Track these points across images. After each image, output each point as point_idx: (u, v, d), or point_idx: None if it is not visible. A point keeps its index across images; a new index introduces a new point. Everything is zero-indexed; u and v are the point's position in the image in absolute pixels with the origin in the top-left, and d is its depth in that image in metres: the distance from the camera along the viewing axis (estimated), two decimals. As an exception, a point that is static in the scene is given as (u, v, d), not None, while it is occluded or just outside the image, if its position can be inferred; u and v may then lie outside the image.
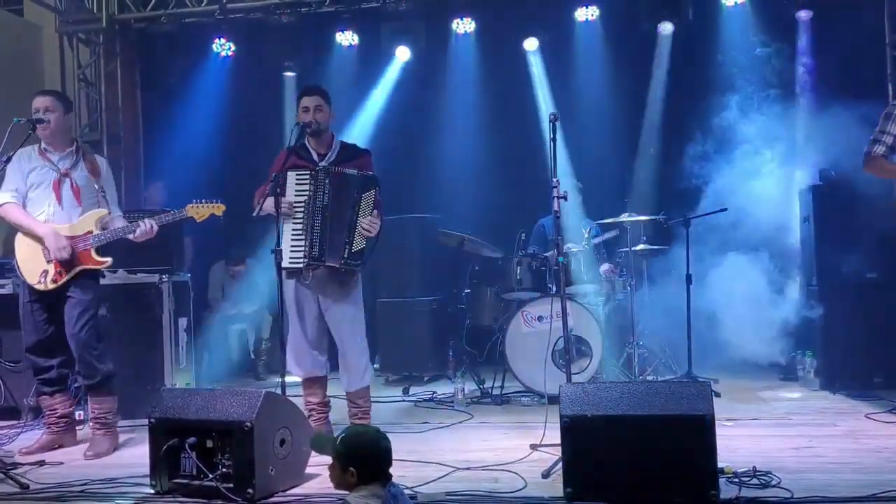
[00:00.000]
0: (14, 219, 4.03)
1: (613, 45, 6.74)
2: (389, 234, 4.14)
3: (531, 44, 6.85)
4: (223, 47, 7.13)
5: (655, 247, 5.77)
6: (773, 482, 3.01)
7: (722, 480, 2.93)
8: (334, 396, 4.31)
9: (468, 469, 3.42)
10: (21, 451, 3.99)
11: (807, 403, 4.81)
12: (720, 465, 2.93)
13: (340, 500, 2.73)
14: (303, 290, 4.03)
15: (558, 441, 3.00)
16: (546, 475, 3.23)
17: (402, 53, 6.95)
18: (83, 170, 4.10)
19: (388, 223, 4.12)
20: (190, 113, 6.94)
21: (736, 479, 3.03)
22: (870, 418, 4.22)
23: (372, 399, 4.24)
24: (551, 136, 3.71)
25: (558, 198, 3.68)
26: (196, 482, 3.10)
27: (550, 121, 3.73)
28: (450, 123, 7.00)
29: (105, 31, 7.03)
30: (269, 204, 3.84)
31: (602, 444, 2.91)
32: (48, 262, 3.96)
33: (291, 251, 3.91)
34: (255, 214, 3.75)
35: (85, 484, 3.34)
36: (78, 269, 3.97)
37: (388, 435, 2.55)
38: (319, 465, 3.29)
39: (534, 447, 3.75)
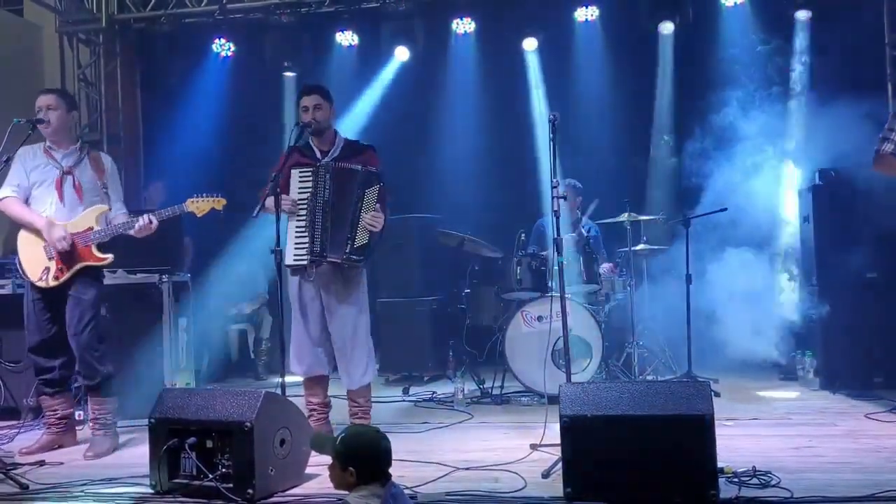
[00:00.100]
0: (14, 213, 4.04)
1: (613, 45, 6.74)
2: (389, 234, 4.13)
3: (531, 44, 6.85)
4: (223, 47, 7.13)
5: (655, 247, 5.77)
6: (773, 482, 3.00)
7: (722, 480, 2.93)
8: (335, 396, 4.31)
9: (468, 469, 3.42)
10: (21, 451, 3.99)
11: (807, 403, 4.81)
12: (720, 464, 2.93)
13: (340, 500, 2.74)
14: (306, 288, 4.01)
15: (558, 441, 3.01)
16: (546, 475, 3.23)
17: (402, 53, 6.95)
18: (87, 167, 4.10)
19: (389, 223, 4.11)
20: (190, 113, 6.94)
21: (736, 479, 3.03)
22: (870, 418, 4.22)
23: (372, 399, 4.24)
24: (551, 136, 3.71)
25: (558, 198, 3.68)
26: (196, 482, 3.10)
27: (550, 121, 3.73)
28: (450, 123, 7.00)
29: (105, 31, 7.03)
30: (270, 203, 3.84)
31: (602, 444, 2.91)
32: (49, 259, 3.97)
33: (295, 248, 3.91)
34: (255, 215, 3.74)
35: (85, 484, 3.33)
36: (79, 265, 3.97)
37: (388, 435, 2.55)
38: (319, 465, 3.29)
39: (534, 447, 3.75)
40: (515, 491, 3.08)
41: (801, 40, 6.30)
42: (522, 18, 6.80)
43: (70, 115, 4.14)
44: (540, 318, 5.00)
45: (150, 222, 3.96)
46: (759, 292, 5.75)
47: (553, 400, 3.58)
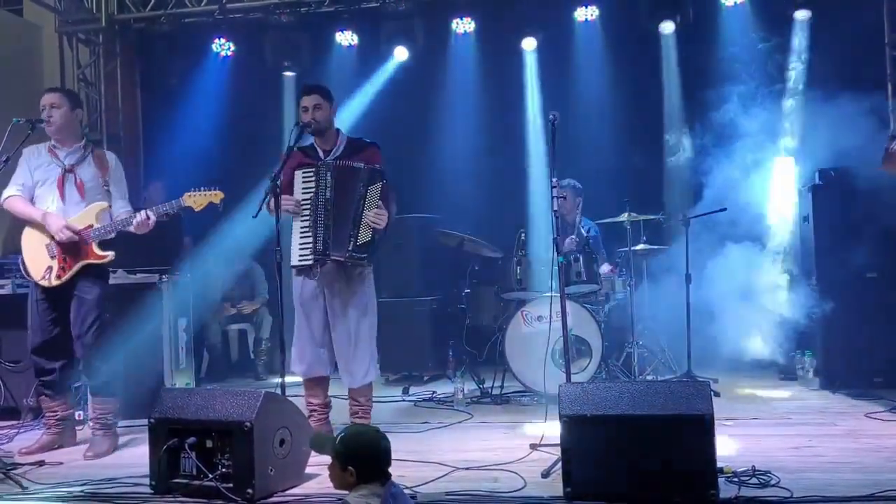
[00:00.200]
0: (17, 210, 4.06)
1: (613, 45, 6.74)
2: (389, 234, 4.12)
3: (530, 44, 6.85)
4: (223, 47, 7.13)
5: (655, 246, 5.77)
6: (773, 482, 3.00)
7: (721, 480, 2.93)
8: (335, 396, 4.30)
9: (468, 469, 3.42)
10: (21, 452, 3.99)
11: (806, 403, 4.81)
12: (719, 464, 2.93)
13: (340, 500, 2.74)
14: (310, 286, 4.00)
15: (558, 441, 3.01)
16: (545, 475, 3.23)
17: (402, 53, 6.95)
18: (91, 165, 4.09)
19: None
20: (189, 113, 6.94)
21: (735, 479, 3.03)
22: (870, 417, 4.22)
23: (372, 399, 4.23)
24: (551, 136, 3.71)
25: (557, 197, 3.68)
26: (196, 482, 3.10)
27: (550, 121, 3.72)
28: (450, 123, 7.00)
29: (104, 31, 7.04)
30: (274, 206, 3.86)
31: (601, 444, 2.91)
32: (52, 258, 3.97)
33: (300, 248, 3.90)
34: (254, 216, 3.73)
35: (84, 484, 3.33)
36: (81, 263, 3.97)
37: (388, 435, 2.55)
38: (319, 465, 3.29)
39: (533, 447, 3.74)
40: (515, 491, 3.08)
41: (800, 39, 6.30)
42: (522, 18, 6.80)
43: (74, 114, 4.13)
44: (540, 318, 5.00)
45: (148, 218, 3.94)
46: (759, 292, 5.75)
47: (553, 400, 3.57)
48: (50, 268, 3.97)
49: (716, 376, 5.39)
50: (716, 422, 2.87)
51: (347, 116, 6.61)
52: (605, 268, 5.69)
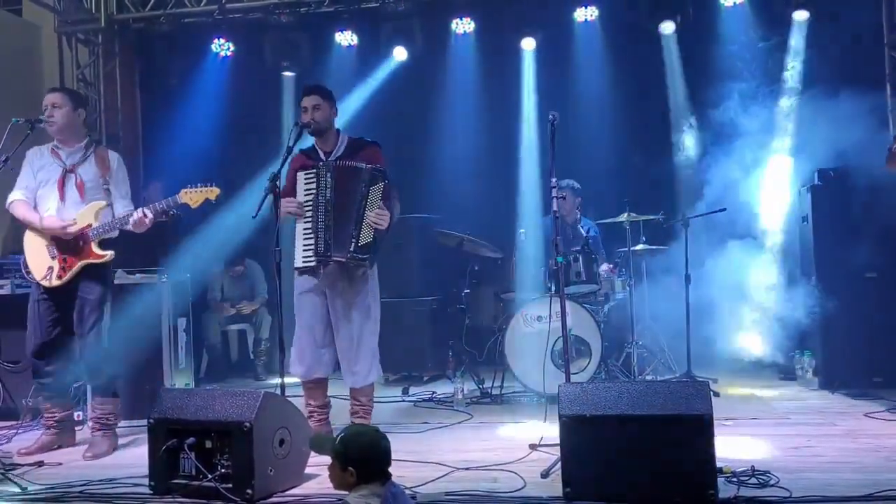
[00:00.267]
0: (20, 215, 4.08)
1: (612, 45, 6.75)
2: (389, 234, 4.11)
3: (530, 44, 6.85)
4: (222, 47, 7.12)
5: (654, 246, 5.77)
6: (772, 481, 3.01)
7: (721, 480, 2.93)
8: (334, 396, 4.30)
9: (467, 469, 3.42)
10: (20, 452, 3.99)
11: (806, 403, 4.82)
12: (719, 464, 2.94)
13: (340, 500, 2.74)
14: (312, 286, 4.00)
15: (557, 441, 3.01)
16: (545, 475, 3.24)
17: (401, 53, 6.95)
18: (92, 164, 4.09)
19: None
20: (189, 113, 6.94)
21: (735, 479, 3.03)
22: (869, 417, 4.23)
23: (373, 399, 4.23)
24: (550, 136, 3.71)
25: (557, 198, 3.68)
26: (195, 482, 3.10)
27: (550, 121, 3.72)
28: (449, 123, 7.00)
29: (104, 31, 7.03)
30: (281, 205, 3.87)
31: (601, 444, 2.91)
32: (52, 258, 3.98)
33: (304, 250, 3.89)
34: (253, 216, 3.73)
35: (84, 485, 3.34)
36: (81, 263, 3.97)
37: (388, 435, 2.54)
38: (318, 465, 3.29)
39: (533, 447, 3.75)
40: (515, 491, 3.08)
41: (799, 39, 6.30)
42: (522, 18, 6.80)
43: (76, 113, 4.12)
44: (539, 318, 5.00)
45: (145, 216, 3.93)
46: (759, 292, 5.75)
47: (552, 399, 3.58)
48: (51, 268, 3.97)
49: (715, 376, 5.39)
50: (715, 422, 2.87)
51: (347, 116, 6.61)
52: (604, 267, 5.69)
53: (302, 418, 3.47)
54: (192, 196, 3.90)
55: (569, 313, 3.83)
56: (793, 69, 6.28)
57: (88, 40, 7.14)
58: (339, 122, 4.21)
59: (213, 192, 3.91)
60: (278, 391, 3.53)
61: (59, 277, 3.97)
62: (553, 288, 5.06)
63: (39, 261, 4.01)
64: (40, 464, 3.80)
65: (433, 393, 5.51)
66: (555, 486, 3.01)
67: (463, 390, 5.03)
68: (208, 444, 3.11)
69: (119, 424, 4.24)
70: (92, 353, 3.99)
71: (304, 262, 3.90)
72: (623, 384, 3.78)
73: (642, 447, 2.87)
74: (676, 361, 5.60)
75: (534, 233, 5.69)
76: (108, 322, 4.05)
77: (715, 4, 6.47)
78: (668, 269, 5.72)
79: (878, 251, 4.97)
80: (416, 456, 3.63)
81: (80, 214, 4.01)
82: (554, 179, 3.69)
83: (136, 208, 4.12)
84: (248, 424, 3.04)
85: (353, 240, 3.83)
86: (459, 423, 4.54)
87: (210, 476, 3.05)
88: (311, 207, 3.89)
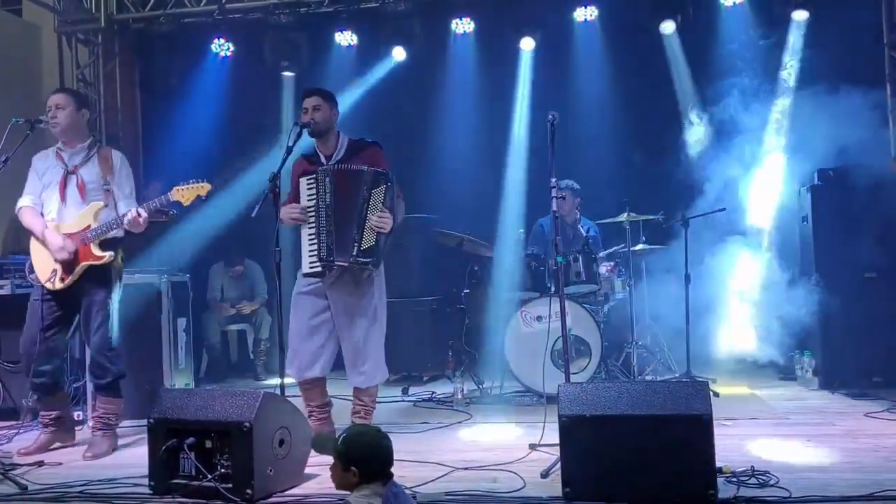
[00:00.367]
0: (26, 223, 4.10)
1: (612, 45, 6.75)
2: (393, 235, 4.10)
3: (530, 44, 6.85)
4: (222, 47, 7.12)
5: (654, 246, 5.78)
6: (772, 481, 3.01)
7: (720, 480, 2.93)
8: (335, 396, 4.30)
9: (467, 469, 3.42)
10: (20, 452, 4.00)
11: (805, 403, 4.82)
12: (718, 464, 2.94)
13: (341, 500, 2.74)
14: (313, 288, 3.99)
15: (557, 441, 3.01)
16: (545, 475, 3.24)
17: (401, 54, 6.95)
18: (94, 165, 4.08)
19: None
20: (189, 113, 6.93)
21: (734, 479, 3.03)
22: (869, 417, 4.23)
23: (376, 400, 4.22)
24: (550, 136, 3.71)
25: (556, 198, 3.68)
26: (195, 483, 3.10)
27: (550, 121, 3.72)
28: (449, 123, 7.00)
29: (104, 31, 7.03)
30: (284, 213, 3.87)
31: (600, 444, 2.91)
32: (56, 261, 3.97)
33: (309, 255, 3.87)
34: (253, 215, 3.72)
35: (84, 485, 3.34)
36: (82, 265, 3.97)
37: (388, 435, 2.54)
38: (318, 465, 3.30)
39: (533, 447, 3.75)
40: (514, 491, 3.08)
41: (797, 38, 6.31)
42: (522, 18, 6.79)
43: (79, 114, 4.11)
44: (539, 318, 5.00)
45: (139, 215, 3.91)
46: (759, 292, 5.75)
47: (552, 400, 3.58)
48: (55, 271, 3.98)
49: (715, 376, 5.39)
50: (715, 421, 2.87)
51: (346, 117, 6.61)
52: (604, 267, 5.69)
53: (302, 418, 3.46)
54: (184, 193, 3.88)
55: (569, 313, 3.83)
56: (791, 67, 6.29)
57: (88, 40, 7.14)
58: (339, 122, 4.20)
59: (203, 188, 3.88)
60: (278, 391, 3.53)
61: (62, 280, 3.97)
62: (553, 288, 5.06)
63: (44, 264, 4.01)
64: (40, 464, 3.80)
65: (433, 393, 5.51)
66: (554, 486, 3.01)
67: (463, 390, 5.04)
68: (208, 444, 3.11)
69: (119, 425, 4.24)
70: (99, 352, 3.99)
71: (310, 267, 3.89)
72: (623, 384, 3.78)
73: (642, 447, 2.87)
74: (676, 361, 5.60)
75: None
76: (115, 322, 4.05)
77: (715, 4, 6.48)
78: (667, 269, 5.73)
79: (878, 251, 4.97)
80: (415, 456, 3.63)
81: (80, 216, 4.01)
82: (553, 179, 3.69)
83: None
84: (247, 424, 3.04)
85: (356, 244, 3.81)
86: (459, 423, 4.54)
87: (210, 476, 3.06)
88: (313, 212, 3.89)
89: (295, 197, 3.96)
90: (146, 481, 3.23)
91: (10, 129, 3.90)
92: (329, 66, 7.06)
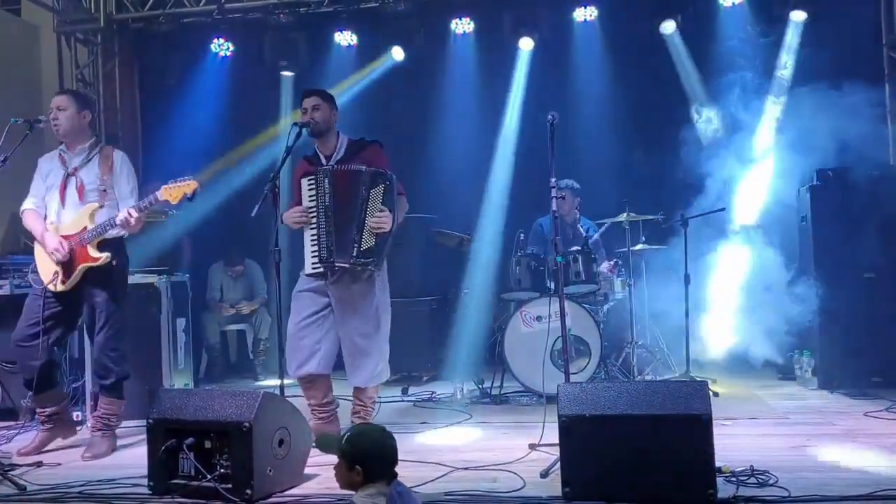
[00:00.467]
0: (28, 226, 4.11)
1: (612, 45, 6.75)
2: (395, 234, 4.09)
3: (529, 44, 6.85)
4: (221, 47, 7.12)
5: (654, 246, 5.78)
6: (771, 481, 3.01)
7: (720, 480, 2.93)
8: (339, 396, 4.29)
9: (467, 469, 3.42)
10: (19, 452, 3.99)
11: (805, 402, 4.82)
12: (718, 464, 2.94)
13: (341, 500, 2.74)
14: (314, 286, 3.98)
15: (557, 441, 3.01)
16: (544, 475, 3.24)
17: (400, 54, 6.95)
18: (94, 166, 4.07)
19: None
20: (188, 113, 6.93)
21: (733, 479, 3.03)
22: (868, 417, 4.23)
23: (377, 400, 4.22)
24: (549, 136, 3.71)
25: (556, 198, 3.68)
26: (194, 483, 3.10)
27: (549, 121, 3.72)
28: (449, 123, 6.99)
29: (103, 30, 7.03)
30: (287, 217, 3.88)
31: (600, 444, 2.91)
32: (57, 263, 3.97)
33: (311, 257, 3.87)
34: (252, 214, 3.72)
35: (83, 485, 3.34)
36: (80, 267, 3.96)
37: (387, 435, 2.55)
38: (318, 465, 3.30)
39: (532, 447, 3.75)
40: (514, 491, 3.08)
41: (795, 37, 6.32)
42: (521, 18, 6.80)
43: (81, 115, 4.09)
44: (539, 318, 5.00)
45: (130, 216, 3.88)
46: (758, 292, 5.75)
47: (552, 399, 3.58)
48: (57, 273, 3.98)
49: (714, 376, 5.39)
50: (714, 421, 2.87)
51: (346, 117, 6.61)
52: (604, 266, 5.69)
53: (301, 418, 3.46)
54: (171, 192, 3.82)
55: (568, 313, 3.83)
56: (788, 67, 6.29)
57: (87, 40, 7.14)
58: (338, 122, 4.19)
59: (189, 185, 3.80)
60: (278, 391, 3.53)
61: (63, 283, 3.97)
62: (553, 287, 5.06)
63: (47, 266, 4.02)
64: (39, 464, 3.80)
65: (433, 393, 5.51)
66: (554, 486, 3.01)
67: (463, 390, 5.03)
68: (207, 445, 3.11)
69: (119, 425, 4.24)
70: (103, 353, 3.99)
71: (312, 268, 3.89)
72: (622, 384, 3.78)
73: (641, 447, 2.88)
74: (676, 361, 5.60)
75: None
76: (120, 323, 4.04)
77: (714, 4, 6.48)
78: (667, 268, 5.73)
79: (877, 251, 4.97)
80: (415, 456, 3.62)
81: (77, 218, 4.00)
82: (553, 179, 3.69)
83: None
84: (247, 424, 3.04)
85: (356, 244, 3.80)
86: (459, 423, 4.54)
87: (209, 476, 3.05)
88: (314, 214, 3.88)
89: (298, 199, 3.96)
90: (145, 482, 3.23)
91: (8, 129, 3.90)
92: (328, 66, 7.06)
